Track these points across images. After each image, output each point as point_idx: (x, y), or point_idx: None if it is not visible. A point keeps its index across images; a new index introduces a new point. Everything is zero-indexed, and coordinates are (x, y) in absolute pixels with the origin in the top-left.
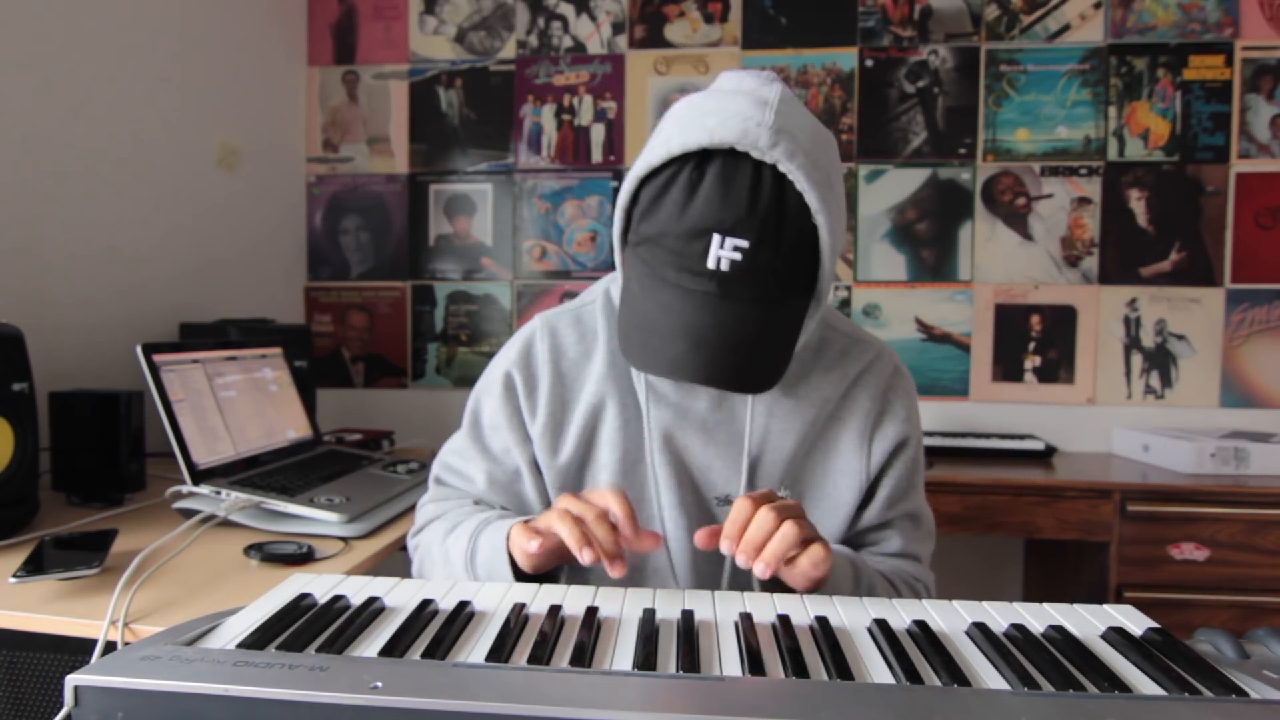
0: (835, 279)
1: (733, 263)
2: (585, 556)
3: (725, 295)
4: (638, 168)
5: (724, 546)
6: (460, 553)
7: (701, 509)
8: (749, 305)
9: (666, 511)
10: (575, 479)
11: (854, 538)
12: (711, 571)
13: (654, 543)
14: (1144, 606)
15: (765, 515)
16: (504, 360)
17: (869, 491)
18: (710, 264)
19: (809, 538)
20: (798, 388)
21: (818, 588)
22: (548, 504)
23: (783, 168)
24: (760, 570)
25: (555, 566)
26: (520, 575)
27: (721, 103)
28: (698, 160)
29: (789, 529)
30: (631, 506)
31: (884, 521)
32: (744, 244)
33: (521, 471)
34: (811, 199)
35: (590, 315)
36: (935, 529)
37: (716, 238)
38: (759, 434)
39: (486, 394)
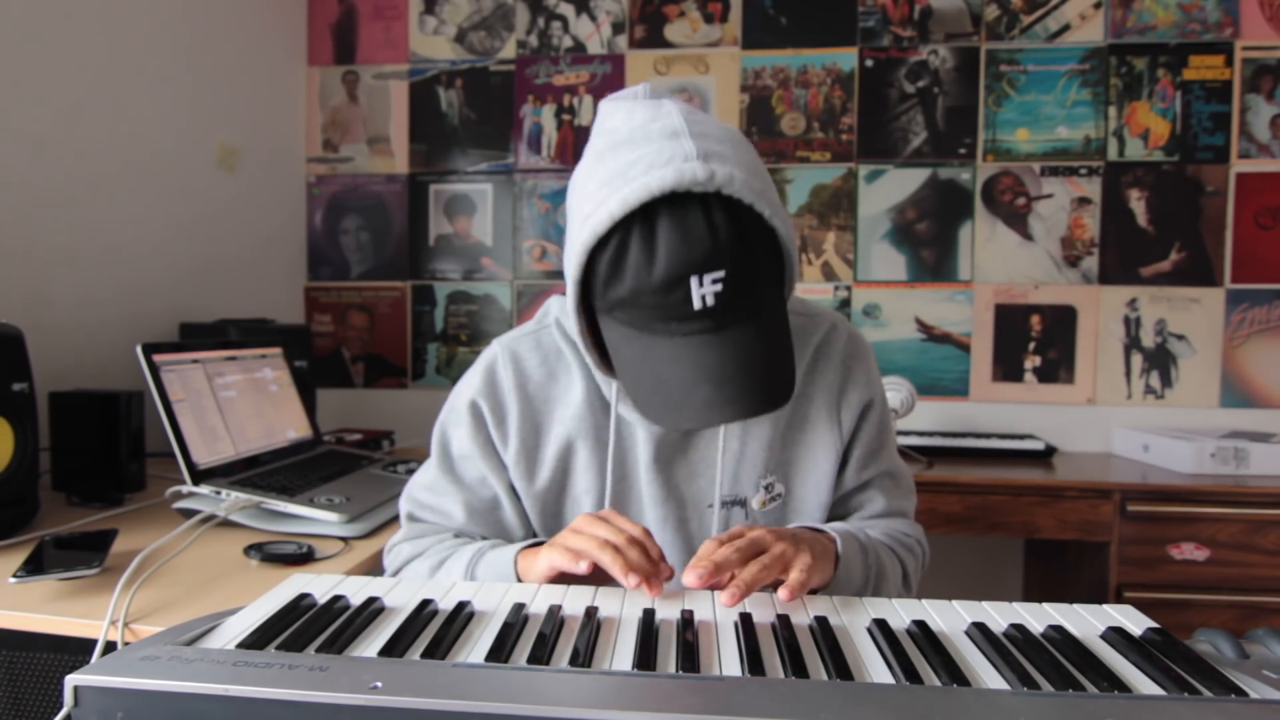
0: (836, 279)
1: (716, 295)
2: (631, 582)
3: (719, 327)
4: (583, 239)
5: (688, 579)
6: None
7: (688, 518)
8: (743, 326)
9: (652, 527)
10: (555, 503)
11: (838, 504)
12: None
13: (669, 574)
14: (1144, 606)
15: (725, 552)
16: (468, 389)
17: (845, 457)
18: (696, 305)
19: (785, 566)
20: None
21: (827, 583)
22: (529, 528)
23: (726, 192)
24: (726, 597)
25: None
26: None
27: (636, 151)
28: (642, 214)
29: (753, 568)
30: (656, 543)
31: (863, 483)
32: (720, 274)
33: (500, 499)
34: (762, 208)
35: (549, 338)
36: (913, 484)
37: (694, 280)
38: (736, 428)
39: (454, 425)
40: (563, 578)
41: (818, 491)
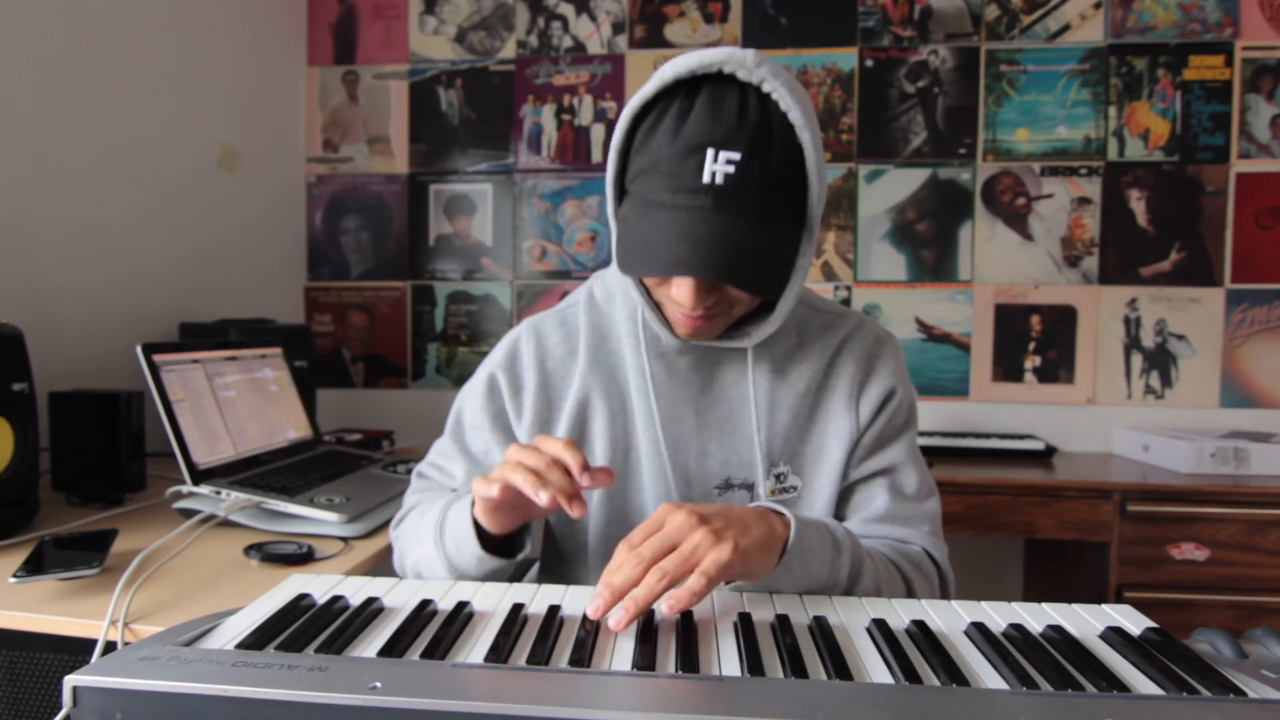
0: (836, 279)
1: (726, 175)
2: (542, 499)
3: (720, 209)
4: (632, 104)
5: (590, 609)
6: (431, 529)
7: (696, 499)
8: (743, 219)
9: (654, 504)
10: None
11: (839, 501)
12: None
13: (607, 478)
14: (1144, 606)
15: (629, 565)
16: (490, 363)
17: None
18: (705, 178)
19: (694, 564)
20: (785, 365)
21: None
22: None
23: (767, 86)
24: (614, 620)
25: (521, 528)
26: (486, 543)
27: (704, 48)
28: (688, 89)
29: (652, 579)
30: (582, 454)
31: (865, 476)
32: (735, 156)
33: None
34: (795, 116)
35: (574, 315)
36: (935, 492)
37: (710, 152)
38: (759, 414)
39: (470, 396)
40: (553, 566)
41: (830, 485)
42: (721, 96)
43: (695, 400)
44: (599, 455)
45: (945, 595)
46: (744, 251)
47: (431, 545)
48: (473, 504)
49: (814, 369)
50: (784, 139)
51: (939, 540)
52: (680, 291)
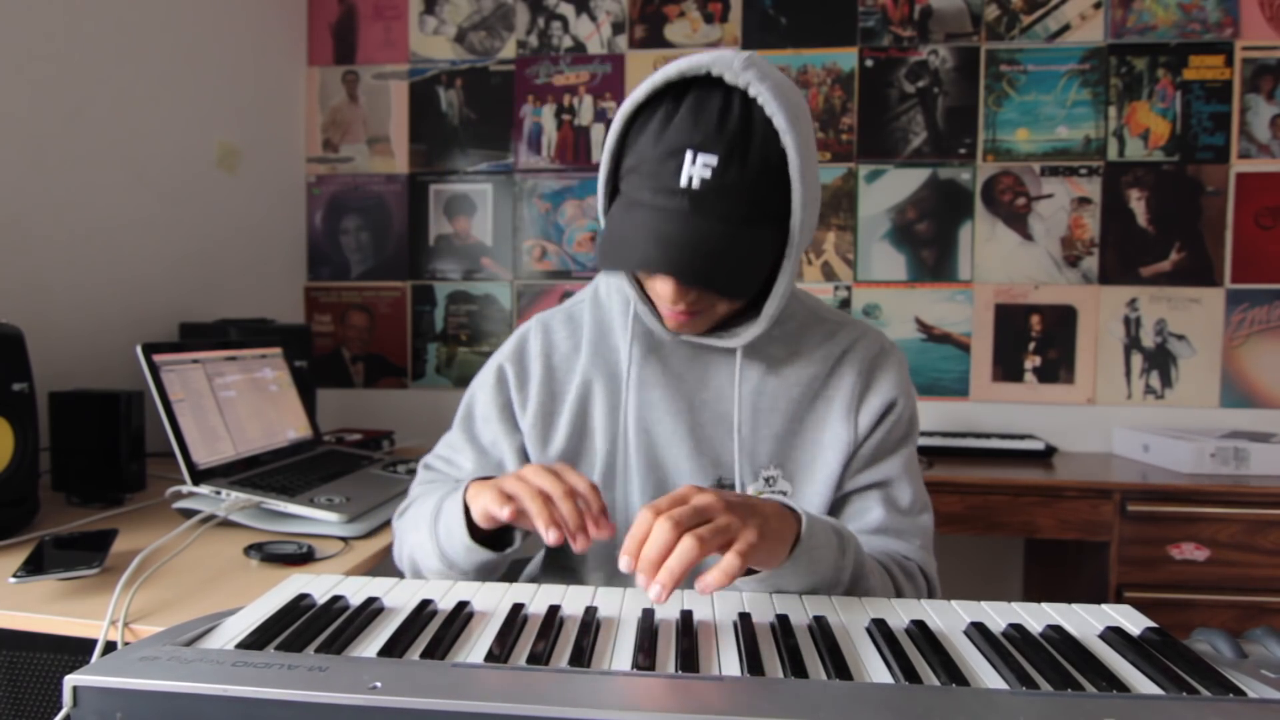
0: (836, 279)
1: (703, 179)
2: (550, 537)
3: (695, 210)
4: (625, 106)
5: (622, 564)
6: (427, 517)
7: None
8: (718, 223)
9: (644, 498)
10: None
11: (831, 510)
12: None
13: (609, 532)
14: (1144, 606)
15: (661, 528)
16: (499, 356)
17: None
18: (682, 181)
19: (726, 542)
20: (783, 368)
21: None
22: None
23: (752, 91)
24: (654, 594)
25: (510, 528)
26: (476, 534)
27: (702, 51)
28: (676, 92)
29: (687, 544)
30: (601, 499)
31: (860, 488)
32: (713, 160)
33: (505, 464)
34: (779, 120)
35: (579, 311)
36: (930, 507)
37: (689, 154)
38: (747, 414)
39: (480, 388)
40: (554, 563)
41: (823, 493)
42: (705, 100)
43: (690, 397)
44: (598, 447)
45: None
46: (715, 255)
47: (426, 533)
48: (465, 491)
49: (812, 375)
50: (765, 143)
51: (929, 555)
52: (661, 287)
